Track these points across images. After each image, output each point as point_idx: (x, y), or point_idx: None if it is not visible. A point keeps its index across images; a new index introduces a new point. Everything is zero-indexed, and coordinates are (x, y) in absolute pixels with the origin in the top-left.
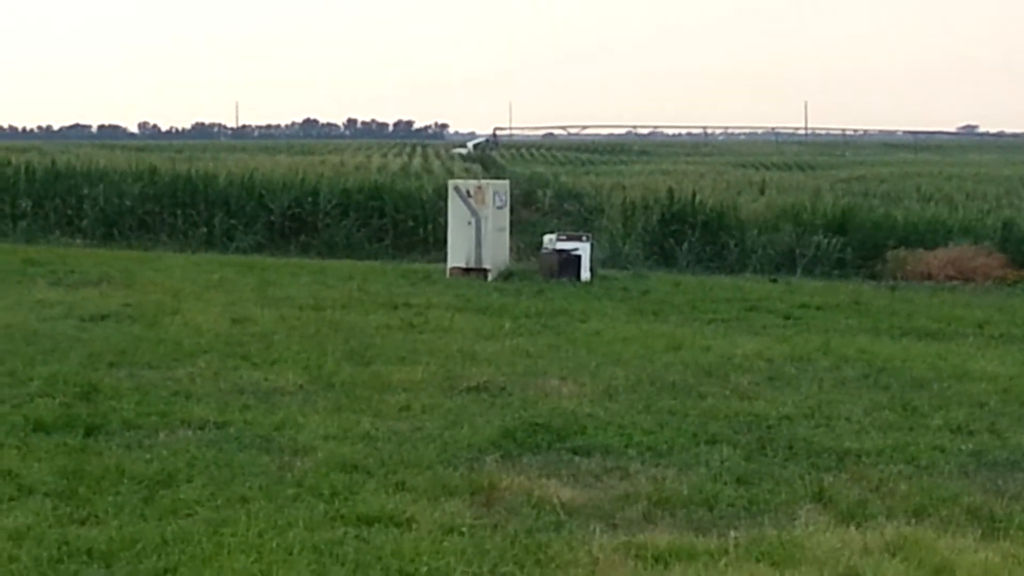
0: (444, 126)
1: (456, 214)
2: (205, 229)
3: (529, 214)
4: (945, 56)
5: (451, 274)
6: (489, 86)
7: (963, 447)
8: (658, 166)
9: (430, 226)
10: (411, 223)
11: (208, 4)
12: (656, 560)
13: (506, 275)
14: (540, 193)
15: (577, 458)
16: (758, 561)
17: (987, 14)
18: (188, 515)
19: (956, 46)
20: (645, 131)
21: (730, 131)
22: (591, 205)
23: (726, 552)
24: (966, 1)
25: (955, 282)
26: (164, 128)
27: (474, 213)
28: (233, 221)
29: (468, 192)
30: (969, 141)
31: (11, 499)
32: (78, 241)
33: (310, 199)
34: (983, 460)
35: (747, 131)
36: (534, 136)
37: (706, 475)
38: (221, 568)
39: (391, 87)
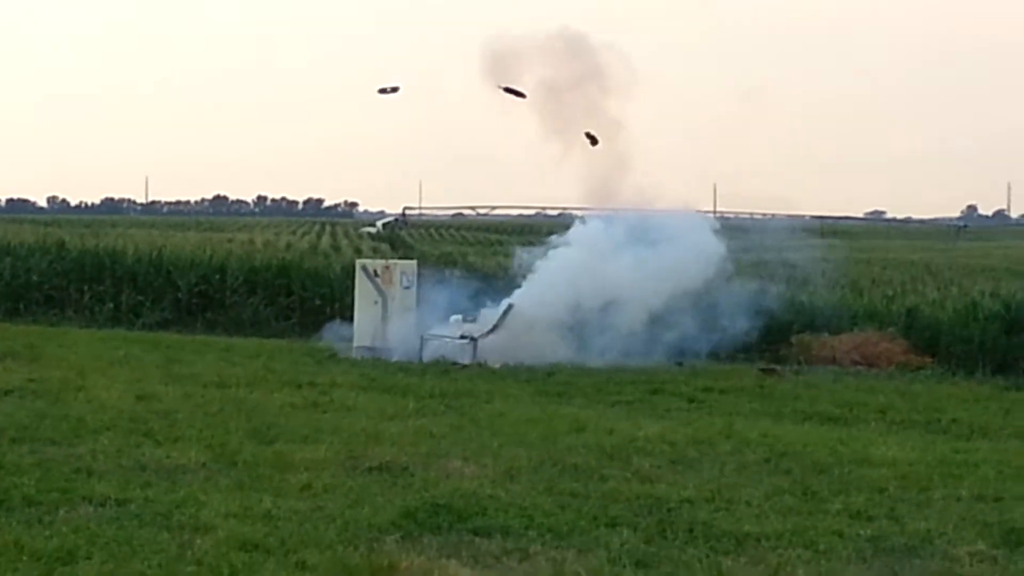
0: (354, 204)
1: (363, 293)
2: (112, 305)
3: (436, 294)
4: (853, 143)
5: (357, 353)
6: (399, 164)
7: (862, 532)
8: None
9: (337, 305)
10: (318, 301)
11: (117, 78)
12: None
13: (412, 355)
14: (448, 274)
15: (478, 539)
16: None
17: (893, 102)
18: None
19: (863, 134)
20: (554, 212)
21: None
22: (499, 287)
23: None
24: (871, 90)
25: (860, 367)
26: (73, 203)
27: (381, 293)
28: (140, 297)
29: (375, 272)
30: (876, 227)
31: None
32: None
33: (217, 276)
34: (881, 545)
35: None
36: (444, 216)
37: (606, 557)
38: None
39: (301, 165)
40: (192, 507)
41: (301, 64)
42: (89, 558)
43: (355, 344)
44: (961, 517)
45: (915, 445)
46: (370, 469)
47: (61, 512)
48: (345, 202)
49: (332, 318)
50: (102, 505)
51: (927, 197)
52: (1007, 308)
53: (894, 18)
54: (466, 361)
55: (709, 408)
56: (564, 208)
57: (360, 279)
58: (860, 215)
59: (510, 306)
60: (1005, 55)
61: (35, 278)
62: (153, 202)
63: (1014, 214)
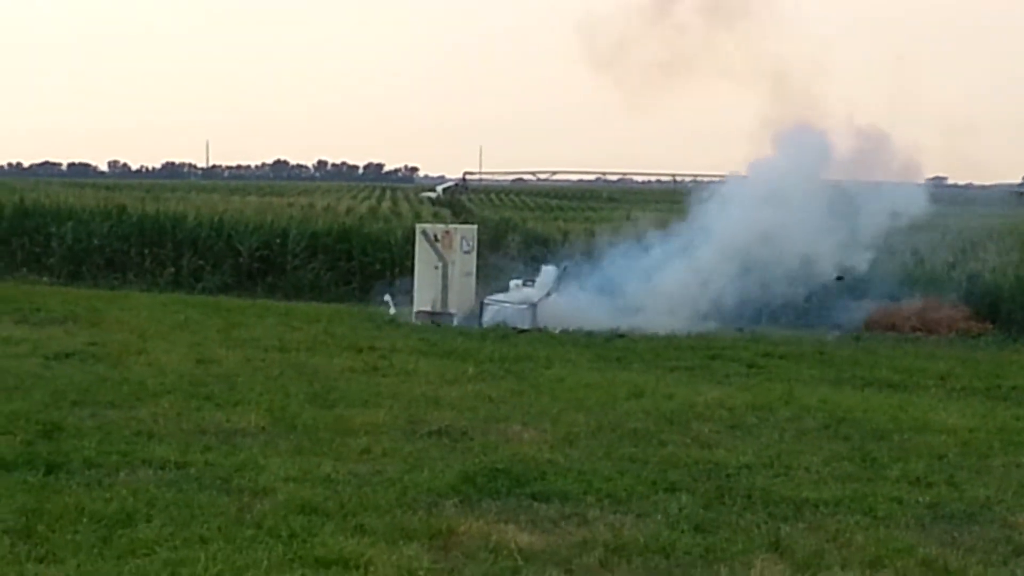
0: (414, 170)
1: (423, 258)
2: (173, 269)
3: (496, 259)
4: (917, 108)
5: (417, 318)
6: (460, 130)
7: (921, 499)
8: (627, 212)
9: (397, 269)
10: (378, 266)
11: (179, 42)
12: None
13: (471, 319)
14: (508, 238)
15: (536, 504)
16: None
17: (959, 67)
18: (146, 555)
19: (925, 99)
20: (614, 178)
21: (699, 178)
22: (559, 251)
23: None
24: (939, 55)
25: (919, 334)
26: (134, 167)
27: (441, 257)
28: (201, 261)
29: (436, 236)
30: (937, 193)
31: None
32: (45, 279)
33: (278, 241)
34: (940, 512)
35: (716, 179)
36: (504, 181)
37: (664, 523)
38: None
39: (362, 129)
40: (252, 471)
41: (362, 30)
42: (149, 521)
43: (415, 309)
44: (1021, 484)
45: (975, 412)
46: (429, 433)
47: (121, 475)
48: (405, 167)
49: (392, 283)
50: (162, 468)
51: (988, 162)
52: None
53: None
54: (526, 326)
55: (768, 374)
56: (624, 173)
57: (420, 244)
58: (920, 181)
59: (565, 267)
60: None
61: (96, 242)
62: (214, 167)
63: None
